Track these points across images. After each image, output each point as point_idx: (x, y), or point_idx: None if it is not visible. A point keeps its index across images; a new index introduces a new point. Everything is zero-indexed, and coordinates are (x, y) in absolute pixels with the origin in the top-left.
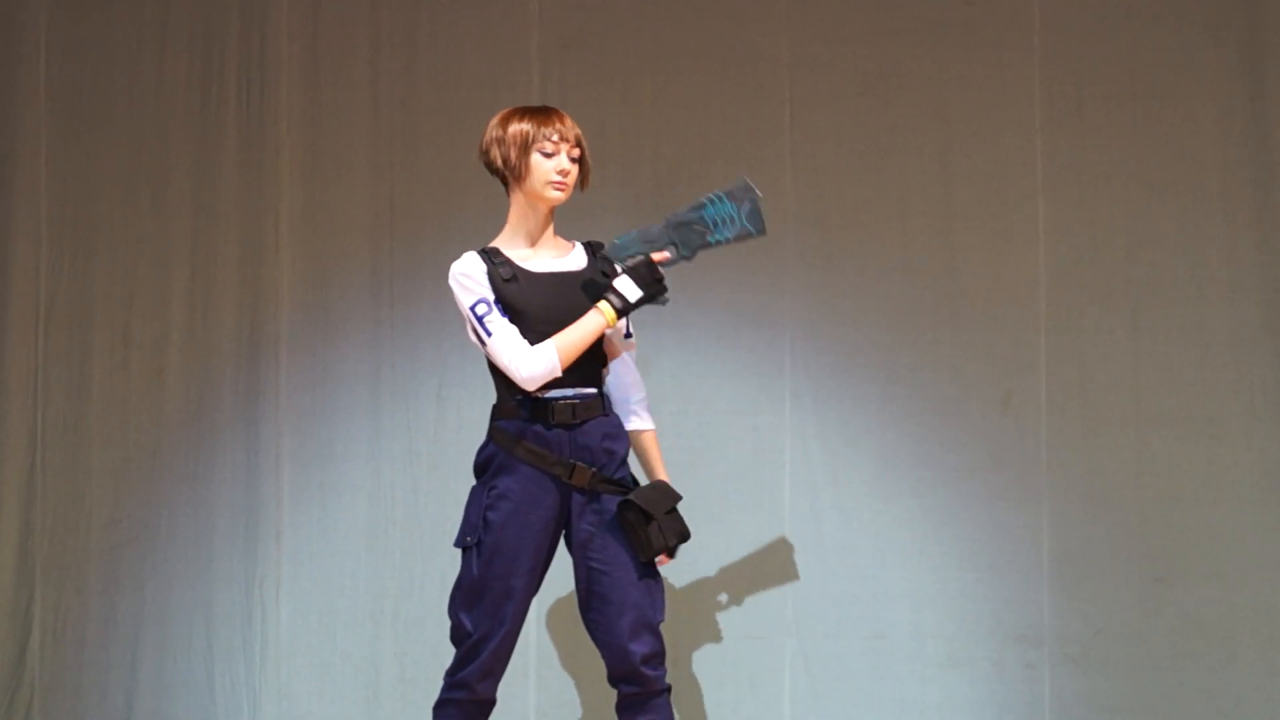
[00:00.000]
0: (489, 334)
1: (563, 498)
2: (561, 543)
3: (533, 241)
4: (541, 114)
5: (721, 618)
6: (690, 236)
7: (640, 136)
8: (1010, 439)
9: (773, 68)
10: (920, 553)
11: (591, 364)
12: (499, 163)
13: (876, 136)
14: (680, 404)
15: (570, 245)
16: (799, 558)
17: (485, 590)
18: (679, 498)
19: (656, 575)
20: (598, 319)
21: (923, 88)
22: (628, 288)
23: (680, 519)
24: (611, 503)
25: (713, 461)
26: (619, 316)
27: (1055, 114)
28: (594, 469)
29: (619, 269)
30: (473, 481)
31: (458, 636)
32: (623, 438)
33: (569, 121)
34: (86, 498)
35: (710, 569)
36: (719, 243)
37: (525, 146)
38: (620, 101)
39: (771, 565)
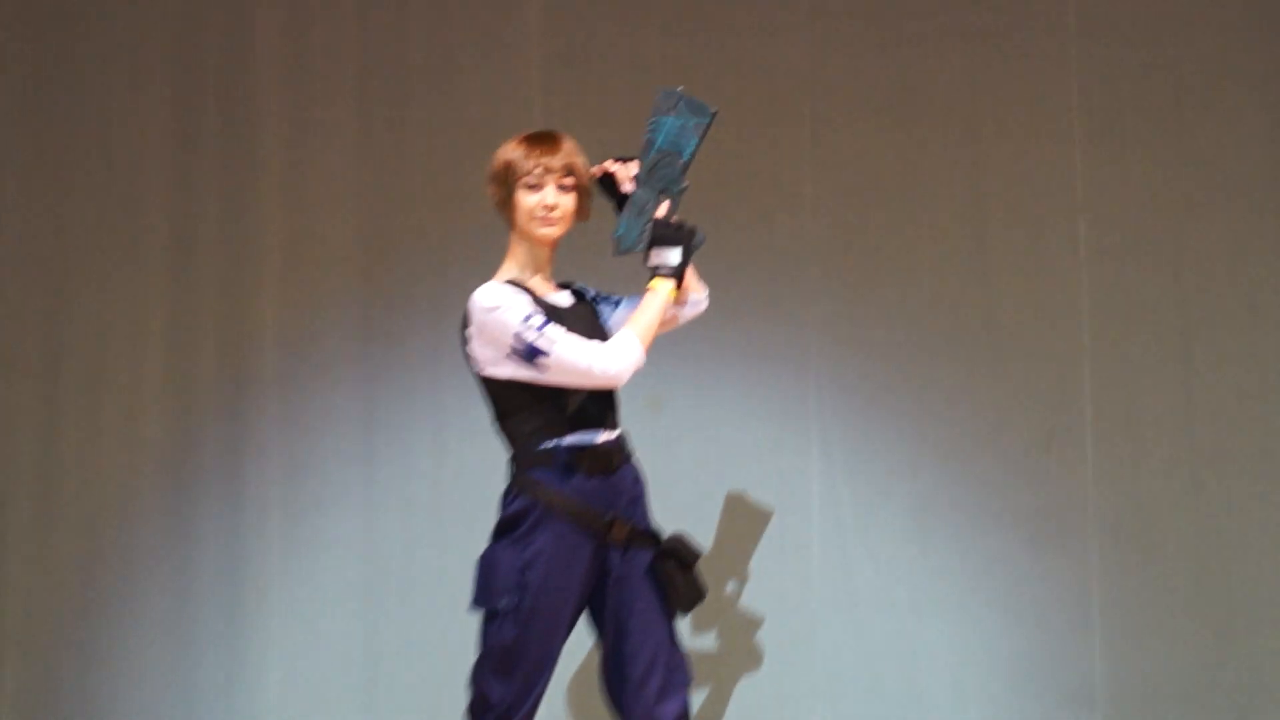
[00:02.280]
0: (553, 341)
1: (598, 553)
2: None
3: (545, 270)
4: (529, 142)
5: (745, 678)
6: (667, 171)
7: None
8: (1054, 480)
9: (792, 82)
10: (960, 605)
11: (613, 404)
12: (492, 201)
13: (903, 154)
14: (697, 447)
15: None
16: (828, 612)
17: (522, 657)
18: (701, 553)
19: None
20: (658, 296)
21: (952, 101)
22: (665, 255)
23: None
24: (640, 555)
25: (733, 509)
26: (677, 281)
27: (1094, 127)
28: (630, 524)
29: (643, 249)
30: (475, 533)
31: (482, 707)
32: (642, 481)
33: (561, 148)
34: (57, 556)
35: (732, 625)
36: (694, 153)
37: (510, 182)
38: (627, 121)
39: (799, 620)
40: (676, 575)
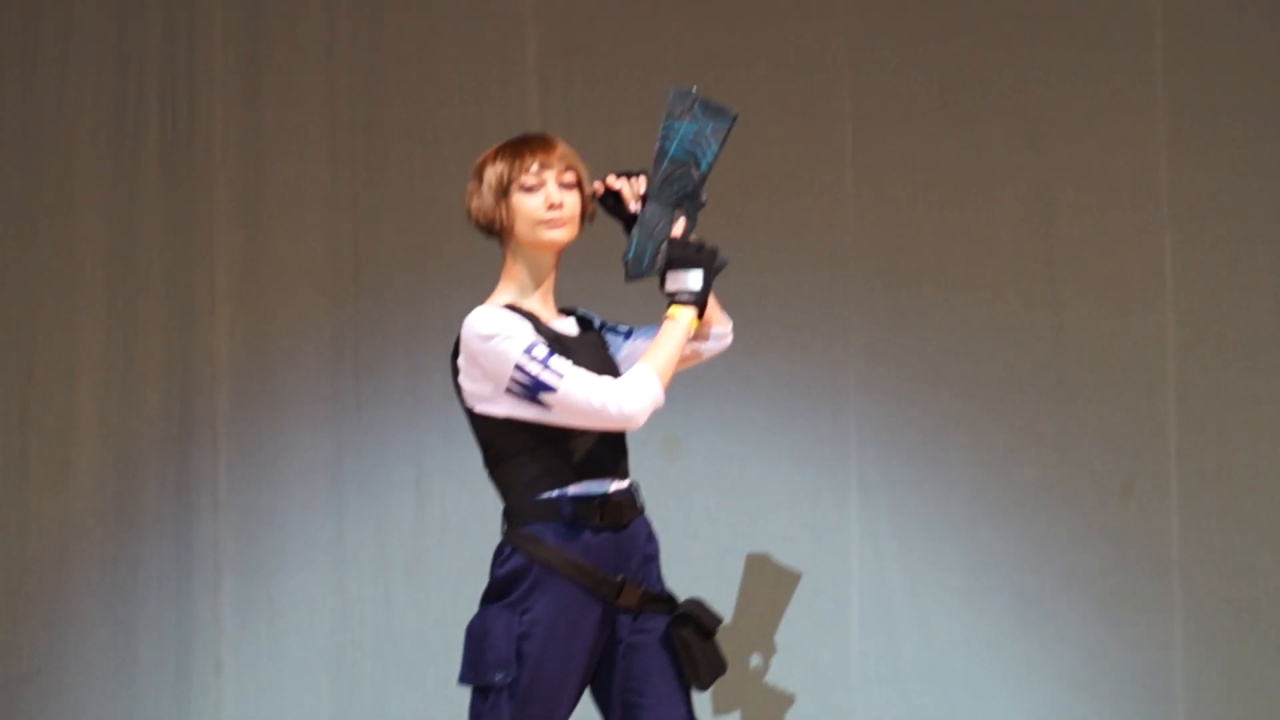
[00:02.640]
0: (560, 375)
1: (605, 619)
2: None
3: (544, 302)
4: (516, 143)
5: None
6: (682, 184)
7: None
8: (1133, 535)
9: (829, 77)
10: (1024, 678)
11: (624, 449)
12: (481, 219)
13: (958, 159)
14: (719, 496)
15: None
16: (870, 687)
17: None
18: (721, 619)
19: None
20: (679, 326)
21: (1015, 100)
22: (683, 279)
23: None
24: (654, 622)
25: (760, 568)
26: (699, 310)
27: (1183, 131)
28: (642, 587)
29: (658, 273)
30: (462, 596)
31: None
32: (655, 539)
33: (554, 143)
34: None
35: (759, 701)
36: (713, 163)
37: (502, 189)
38: (638, 121)
39: (836, 697)
40: (695, 644)
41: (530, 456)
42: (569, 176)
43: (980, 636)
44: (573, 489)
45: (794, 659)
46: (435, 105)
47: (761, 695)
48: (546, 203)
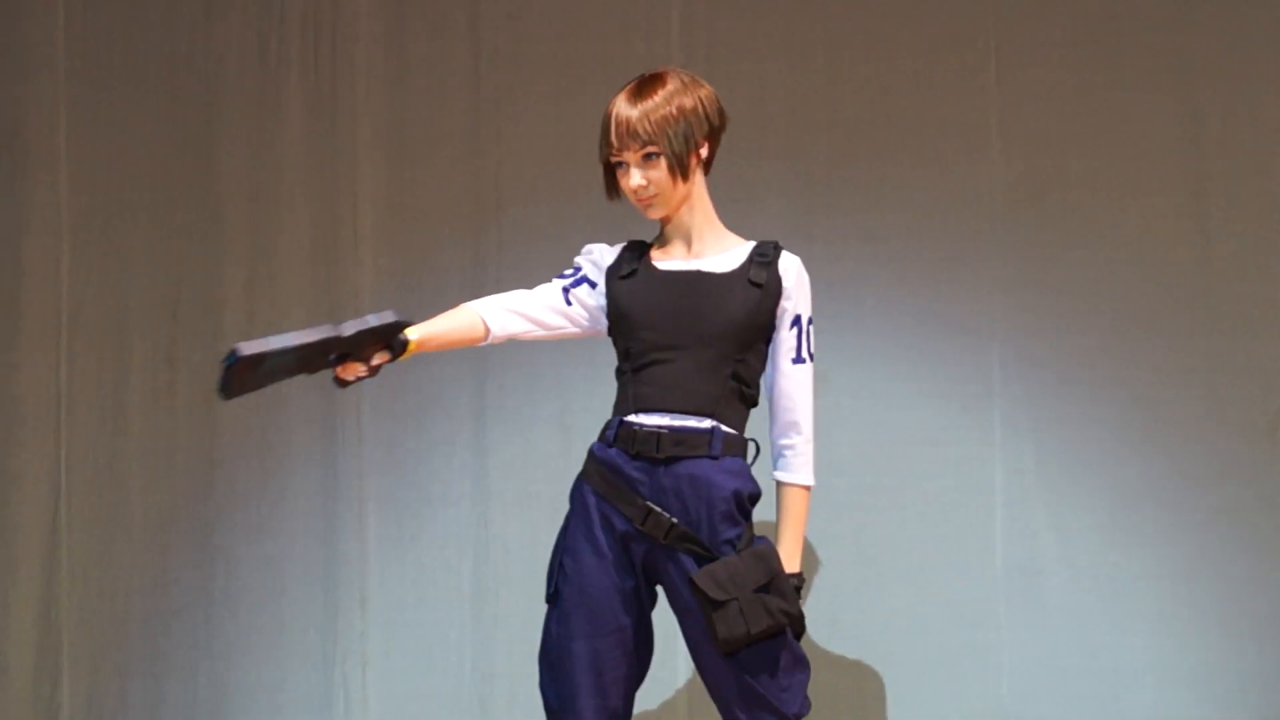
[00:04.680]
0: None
1: (636, 541)
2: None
3: (678, 237)
4: (619, 103)
5: (917, 699)
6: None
7: (809, 99)
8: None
9: (973, 8)
10: (1168, 616)
11: (703, 388)
12: None
13: (1105, 94)
14: (860, 433)
15: (733, 244)
16: (1015, 624)
17: (562, 654)
18: (780, 571)
19: (781, 653)
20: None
21: (1163, 33)
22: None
23: (787, 595)
24: (689, 563)
25: (904, 505)
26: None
27: None
28: (673, 520)
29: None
30: None
31: (547, 712)
32: (729, 491)
33: (636, 118)
34: (124, 557)
35: (902, 639)
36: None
37: (603, 162)
38: (782, 55)
39: (980, 634)
40: (706, 608)
41: (619, 384)
42: (652, 148)
43: (1124, 575)
44: (630, 417)
45: (938, 596)
46: (578, 36)
47: (905, 634)
48: (630, 186)
